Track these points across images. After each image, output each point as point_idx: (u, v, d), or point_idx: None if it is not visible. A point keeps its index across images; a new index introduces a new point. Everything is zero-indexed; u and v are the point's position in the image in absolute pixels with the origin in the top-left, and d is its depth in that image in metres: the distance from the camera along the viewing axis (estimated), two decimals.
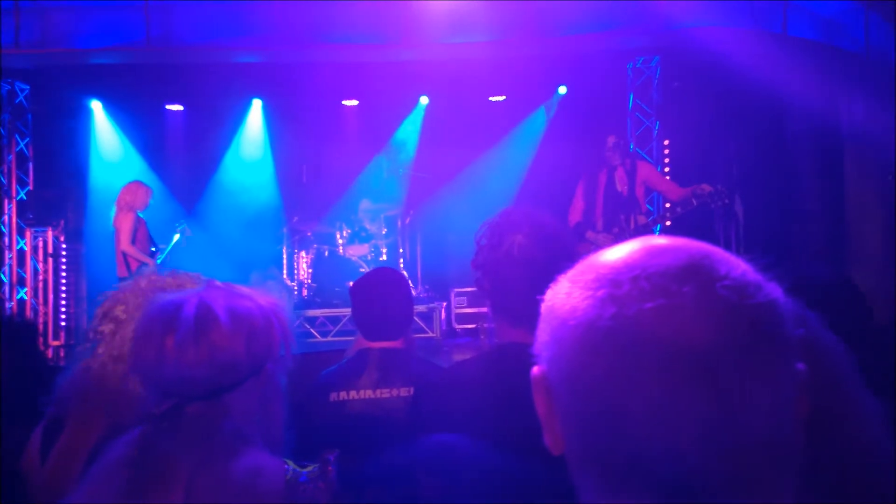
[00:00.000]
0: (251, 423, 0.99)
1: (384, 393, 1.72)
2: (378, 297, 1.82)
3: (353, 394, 1.72)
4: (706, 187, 4.21)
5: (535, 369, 0.52)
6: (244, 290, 1.06)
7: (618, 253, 0.50)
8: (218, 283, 1.06)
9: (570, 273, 0.52)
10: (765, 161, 6.02)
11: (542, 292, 1.40)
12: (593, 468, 0.47)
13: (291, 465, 1.02)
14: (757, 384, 0.43)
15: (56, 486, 1.25)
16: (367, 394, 1.72)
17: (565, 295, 0.50)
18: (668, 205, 5.74)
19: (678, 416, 0.42)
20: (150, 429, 0.96)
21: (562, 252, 1.35)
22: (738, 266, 0.47)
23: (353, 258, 6.51)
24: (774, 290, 0.47)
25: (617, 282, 0.46)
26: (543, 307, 0.53)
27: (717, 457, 0.42)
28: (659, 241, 0.50)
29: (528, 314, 1.28)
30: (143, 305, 1.25)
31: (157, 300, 1.01)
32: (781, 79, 5.49)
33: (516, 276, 1.25)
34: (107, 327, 1.34)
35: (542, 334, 0.52)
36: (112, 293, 1.40)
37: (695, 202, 4.26)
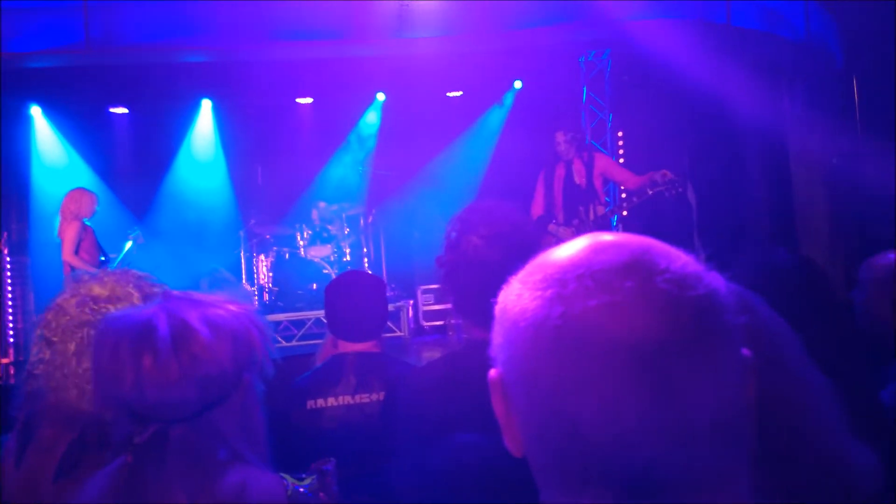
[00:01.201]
0: (237, 438, 0.94)
1: (363, 398, 1.70)
2: (353, 299, 1.81)
3: (331, 400, 1.70)
4: (666, 173, 4.31)
5: (492, 372, 0.53)
6: (208, 297, 0.99)
7: (564, 252, 0.50)
8: (176, 292, 0.98)
9: (521, 274, 0.52)
10: (713, 150, 6.22)
11: (497, 293, 1.41)
12: (553, 468, 0.47)
13: (288, 478, 0.98)
14: (701, 374, 0.44)
15: (29, 490, 1.22)
16: (346, 399, 1.70)
17: (516, 296, 0.50)
18: (623, 195, 5.87)
19: (627, 412, 0.43)
20: (134, 460, 0.89)
21: (519, 251, 1.35)
22: (678, 259, 0.48)
23: (316, 259, 6.42)
24: (715, 280, 0.47)
25: (563, 281, 0.47)
26: (497, 309, 0.53)
27: (667, 449, 0.43)
28: (604, 237, 0.51)
29: (486, 314, 1.30)
30: (76, 321, 1.25)
31: (115, 318, 0.93)
32: (726, 69, 5.67)
33: (471, 277, 1.26)
34: (43, 353, 1.27)
35: (497, 336, 0.52)
36: (43, 314, 1.31)
37: (650, 192, 4.36)
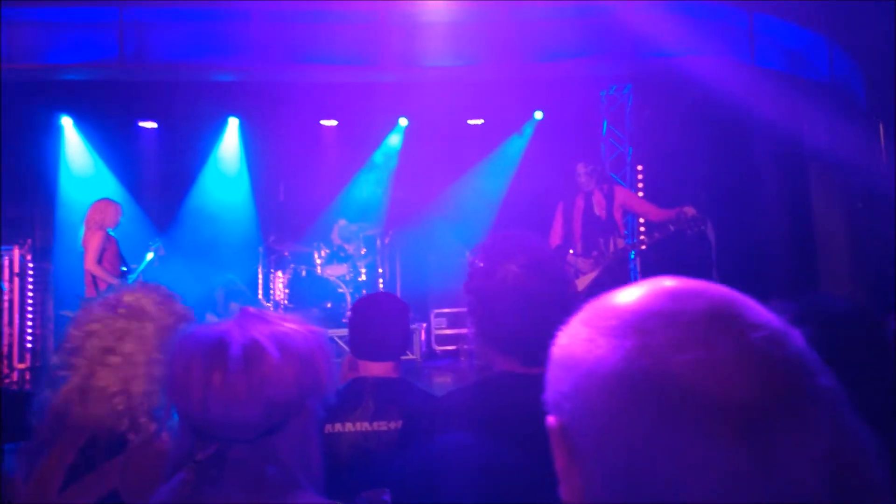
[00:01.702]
0: (294, 462, 0.92)
1: (381, 426, 1.70)
2: (378, 318, 1.83)
3: (348, 426, 1.70)
4: (689, 210, 4.29)
5: (552, 419, 0.50)
6: (282, 316, 0.98)
7: (636, 295, 0.49)
8: (252, 309, 0.97)
9: (585, 315, 0.50)
10: (734, 186, 6.21)
11: (535, 323, 1.40)
12: None
13: None
14: (796, 438, 0.42)
15: (38, 499, 1.24)
16: (364, 426, 1.71)
17: (586, 341, 0.48)
18: (642, 229, 5.85)
19: (719, 473, 0.41)
20: (193, 477, 0.88)
21: (555, 282, 1.36)
22: (762, 312, 0.46)
23: (332, 278, 6.46)
24: (798, 338, 0.46)
25: (646, 330, 0.45)
26: (557, 353, 0.51)
27: None
28: (675, 283, 0.49)
29: (519, 344, 1.30)
30: (104, 329, 1.29)
31: (191, 333, 0.93)
32: (749, 106, 5.70)
33: (509, 306, 1.24)
34: (67, 355, 1.31)
35: (561, 384, 0.49)
36: (76, 324, 1.35)
37: (672, 228, 4.35)
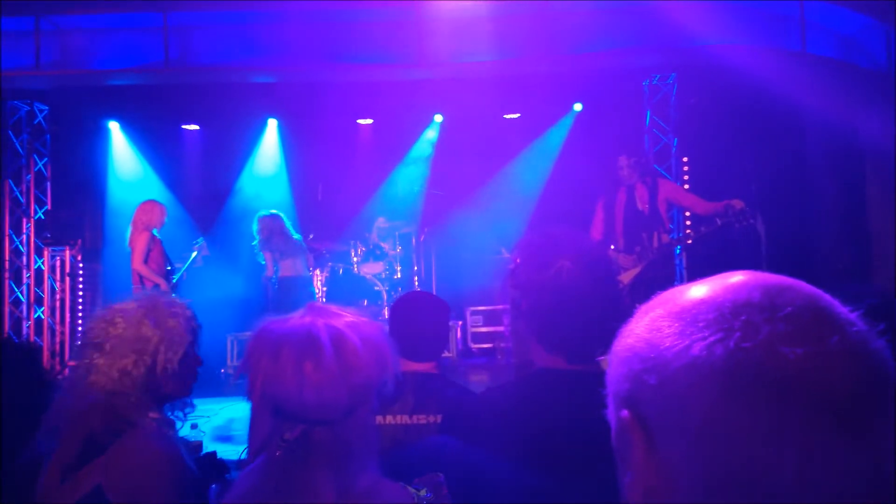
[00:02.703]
0: (362, 447, 0.99)
1: (420, 419, 1.68)
2: (418, 318, 1.81)
3: (388, 418, 1.68)
4: (737, 203, 4.14)
5: (625, 413, 0.50)
6: (348, 310, 1.06)
7: (723, 288, 0.49)
8: (318, 304, 1.06)
9: (668, 308, 0.50)
10: (784, 179, 5.97)
11: (585, 320, 1.35)
12: None
13: (409, 488, 1.04)
14: (891, 429, 0.45)
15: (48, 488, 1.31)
16: (403, 419, 1.68)
17: (678, 335, 0.47)
18: (688, 223, 5.67)
19: (831, 469, 0.43)
20: (281, 455, 0.95)
21: (605, 279, 1.32)
22: (847, 310, 0.48)
23: (368, 276, 6.49)
24: (877, 334, 0.48)
25: (751, 323, 0.45)
26: (635, 345, 0.50)
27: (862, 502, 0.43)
28: (763, 277, 0.50)
29: (567, 341, 1.26)
30: (141, 328, 1.39)
31: (273, 326, 1.01)
32: (800, 96, 5.46)
33: (561, 302, 1.22)
34: (94, 351, 1.39)
35: (644, 376, 0.49)
36: (99, 317, 1.44)
37: (719, 221, 4.20)
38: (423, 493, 1.04)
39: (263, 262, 5.99)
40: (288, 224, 6.01)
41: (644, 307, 0.53)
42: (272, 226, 5.88)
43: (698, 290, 0.50)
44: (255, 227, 5.92)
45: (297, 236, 6.06)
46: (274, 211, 6.06)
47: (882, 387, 0.45)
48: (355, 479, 0.96)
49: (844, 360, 0.44)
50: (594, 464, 0.53)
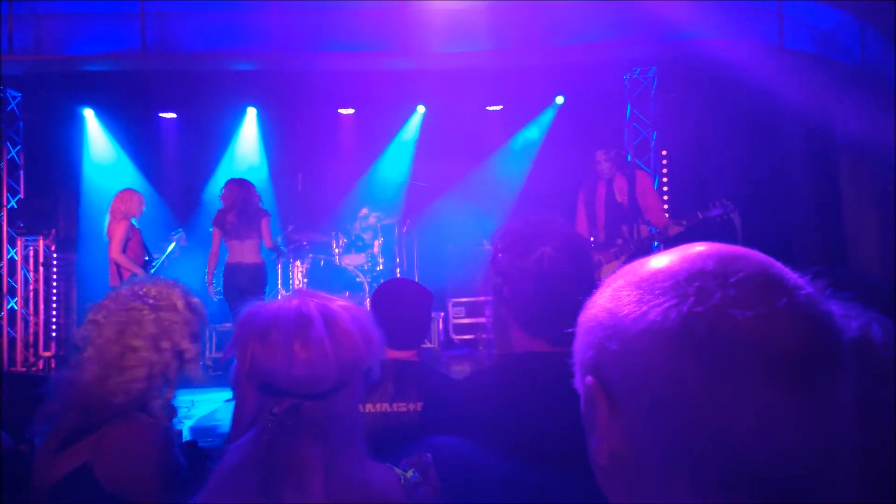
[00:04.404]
0: (348, 424, 1.03)
1: (400, 406, 1.68)
2: (399, 306, 1.80)
3: (368, 406, 1.68)
4: (675, 230, 4.33)
5: (589, 379, 0.52)
6: (335, 296, 1.10)
7: (680, 258, 0.51)
8: (306, 290, 1.10)
9: (628, 279, 0.52)
10: (761, 171, 6.06)
11: (566, 304, 1.37)
12: (684, 472, 0.48)
13: (396, 469, 1.06)
14: (842, 388, 0.47)
15: (36, 477, 1.37)
16: (384, 407, 1.68)
17: (637, 302, 0.50)
18: (666, 215, 5.75)
19: (783, 423, 0.45)
20: (271, 428, 0.98)
21: (584, 264, 1.34)
22: (796, 275, 0.51)
23: (350, 268, 6.46)
24: (824, 298, 0.50)
25: (704, 289, 0.47)
26: (597, 314, 0.53)
27: (820, 460, 0.45)
28: (713, 247, 0.52)
29: (549, 325, 1.27)
30: (130, 313, 1.44)
31: (261, 308, 1.04)
32: (778, 90, 5.54)
33: (543, 286, 1.24)
34: (89, 332, 1.44)
35: (606, 343, 0.51)
36: (97, 302, 1.49)
37: (700, 215, 4.29)
38: (409, 473, 1.06)
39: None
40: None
41: (608, 280, 0.55)
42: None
43: (658, 261, 0.52)
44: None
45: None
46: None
47: (828, 346, 0.47)
48: (342, 453, 0.99)
49: (792, 320, 0.46)
50: (579, 439, 0.55)
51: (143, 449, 1.37)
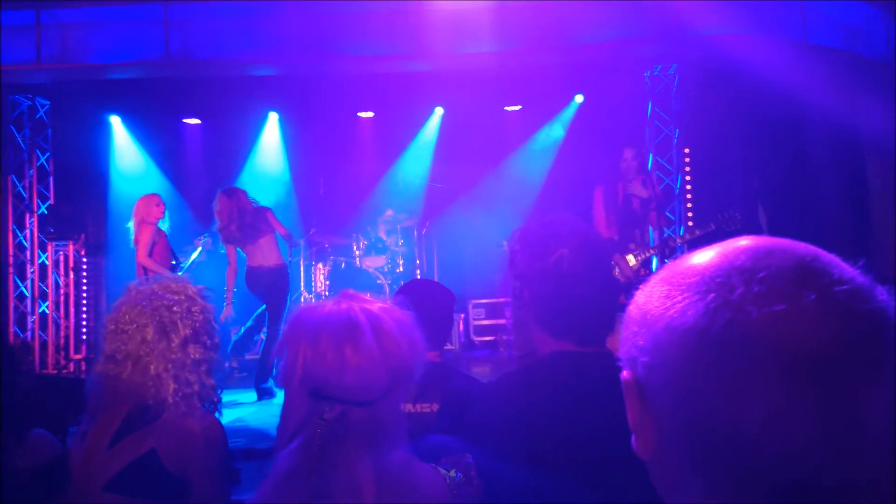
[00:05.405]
0: (394, 428, 1.03)
1: (424, 407, 1.69)
2: (422, 307, 1.81)
3: None
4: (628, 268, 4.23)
5: (626, 374, 0.53)
6: (379, 298, 1.10)
7: (717, 253, 0.50)
8: (351, 292, 1.09)
9: (664, 275, 0.52)
10: (786, 169, 5.96)
11: (591, 304, 1.37)
12: (700, 471, 0.47)
13: (440, 469, 1.07)
14: (878, 389, 0.44)
15: (88, 471, 1.44)
16: (407, 407, 1.69)
17: (664, 298, 0.49)
18: (690, 224, 5.69)
19: (801, 423, 0.43)
20: (321, 433, 0.99)
21: (606, 266, 1.33)
22: (847, 269, 0.48)
23: (370, 270, 6.50)
24: (883, 294, 0.47)
25: (727, 285, 0.46)
26: (634, 310, 0.53)
27: (839, 462, 0.44)
28: (759, 241, 0.50)
29: (575, 325, 1.27)
30: (148, 310, 1.50)
31: (309, 312, 1.04)
32: (802, 86, 5.44)
33: (563, 289, 1.23)
34: (110, 328, 1.52)
35: (637, 339, 0.51)
36: (119, 299, 1.56)
37: (713, 226, 4.26)
38: (452, 473, 1.06)
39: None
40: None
41: (651, 276, 0.55)
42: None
43: (697, 257, 0.51)
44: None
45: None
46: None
47: (863, 345, 0.44)
48: (389, 458, 1.00)
49: (816, 318, 0.44)
50: (621, 437, 0.56)
51: (203, 433, 1.44)
